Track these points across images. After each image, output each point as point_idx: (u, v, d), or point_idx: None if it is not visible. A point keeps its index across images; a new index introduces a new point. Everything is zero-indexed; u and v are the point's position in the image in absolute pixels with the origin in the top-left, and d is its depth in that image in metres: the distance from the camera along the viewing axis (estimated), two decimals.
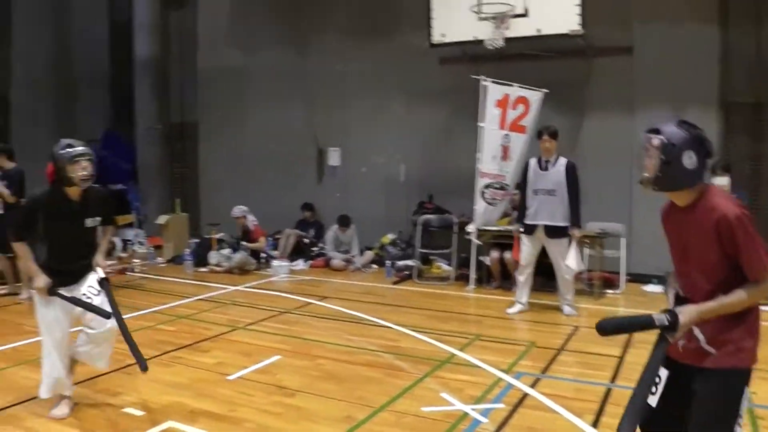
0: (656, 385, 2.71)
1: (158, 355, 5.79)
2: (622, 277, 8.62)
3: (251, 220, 10.85)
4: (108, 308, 4.34)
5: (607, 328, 2.69)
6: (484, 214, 8.84)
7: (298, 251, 11.29)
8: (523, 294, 7.49)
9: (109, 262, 5.91)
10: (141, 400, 4.66)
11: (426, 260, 10.19)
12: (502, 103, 8.77)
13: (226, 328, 6.83)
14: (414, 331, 6.60)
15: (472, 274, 8.92)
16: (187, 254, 10.97)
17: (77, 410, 4.45)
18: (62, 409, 4.37)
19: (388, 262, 10.14)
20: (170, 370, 5.42)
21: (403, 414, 4.37)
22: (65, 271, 4.37)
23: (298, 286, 9.37)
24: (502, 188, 8.83)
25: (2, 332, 6.58)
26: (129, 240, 12.26)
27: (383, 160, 11.42)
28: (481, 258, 9.02)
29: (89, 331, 4.41)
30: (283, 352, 5.90)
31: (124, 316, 6.90)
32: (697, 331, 2.62)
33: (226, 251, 10.78)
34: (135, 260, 11.21)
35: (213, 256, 10.73)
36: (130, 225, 13.00)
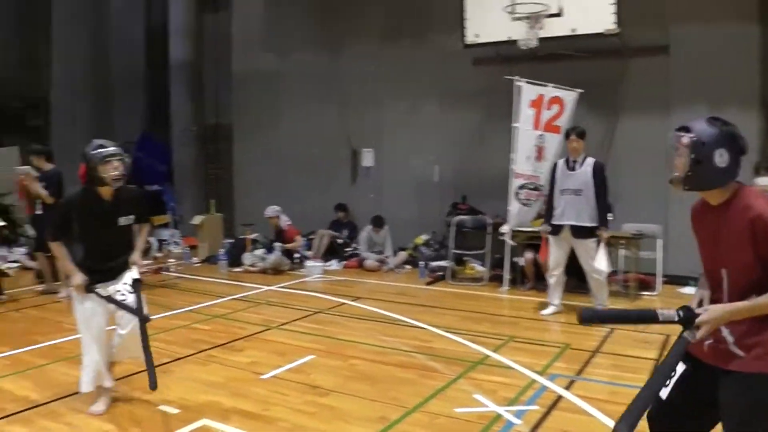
0: (670, 378, 2.63)
1: (193, 354, 5.86)
2: (659, 279, 8.50)
3: (284, 220, 10.91)
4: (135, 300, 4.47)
5: (590, 318, 2.63)
6: (518, 214, 8.78)
7: (332, 252, 11.32)
8: (555, 296, 7.43)
9: (145, 262, 6.00)
10: (176, 398, 4.71)
11: (459, 261, 10.16)
12: (537, 104, 8.70)
13: (260, 327, 6.88)
14: (447, 332, 6.58)
15: (506, 275, 8.87)
16: (222, 254, 11.07)
17: (113, 407, 4.52)
18: (100, 406, 4.45)
19: (421, 263, 10.13)
20: (205, 368, 5.48)
21: (436, 415, 4.36)
22: (101, 269, 4.46)
23: (332, 286, 9.40)
24: (536, 189, 8.76)
25: (42, 330, 6.71)
26: (165, 240, 12.45)
27: (417, 161, 11.41)
28: (515, 259, 8.97)
29: (120, 331, 4.51)
30: (317, 351, 5.92)
31: (159, 315, 7.08)
32: (726, 332, 2.53)
33: (260, 252, 10.85)
34: (170, 260, 11.37)
35: (247, 258, 10.81)
36: (165, 225, 13.21)
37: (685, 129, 2.58)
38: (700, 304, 2.65)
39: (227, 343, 6.26)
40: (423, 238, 10.93)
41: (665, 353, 5.37)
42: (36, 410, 4.49)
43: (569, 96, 8.75)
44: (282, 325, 7.00)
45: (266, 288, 9.19)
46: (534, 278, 8.77)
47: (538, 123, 8.74)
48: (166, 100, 14.69)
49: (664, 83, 9.12)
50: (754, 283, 2.47)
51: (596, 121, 9.56)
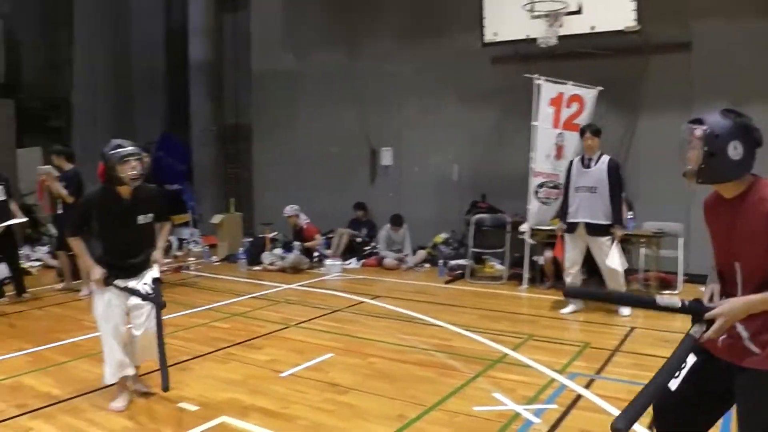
0: (677, 373, 2.60)
1: (213, 352, 5.89)
2: (680, 278, 8.41)
3: (303, 219, 10.94)
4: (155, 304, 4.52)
5: (575, 292, 2.60)
6: (538, 213, 8.73)
7: (351, 250, 11.33)
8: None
9: (166, 261, 6.06)
10: (195, 395, 4.74)
11: (479, 260, 10.13)
12: (556, 102, 8.65)
13: (279, 325, 6.90)
14: (466, 330, 6.56)
15: (525, 274, 8.83)
16: (241, 253, 11.12)
17: (133, 404, 4.56)
18: (120, 402, 4.49)
19: (440, 262, 10.11)
20: (224, 366, 5.50)
21: (455, 413, 4.35)
22: (121, 266, 4.52)
23: (351, 284, 9.41)
24: (555, 187, 8.70)
25: (64, 328, 6.79)
26: (184, 239, 12.53)
27: (436, 159, 11.39)
28: (534, 257, 8.93)
29: (135, 332, 4.58)
30: (336, 350, 5.92)
31: (179, 313, 7.12)
32: (740, 327, 2.49)
33: (279, 251, 10.88)
34: (190, 259, 11.44)
35: (266, 256, 10.84)
36: (185, 224, 13.29)
37: (699, 121, 2.54)
38: (711, 298, 2.61)
39: (246, 341, 6.29)
40: (442, 236, 10.91)
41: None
42: (58, 406, 4.54)
43: (589, 94, 8.69)
44: (301, 323, 7.01)
45: (285, 286, 9.22)
46: (553, 277, 8.72)
47: (557, 121, 8.69)
48: (186, 100, 14.79)
49: (685, 80, 9.02)
50: None
51: (616, 119, 9.49)
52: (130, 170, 4.38)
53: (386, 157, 12.01)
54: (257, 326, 6.90)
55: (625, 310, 7.10)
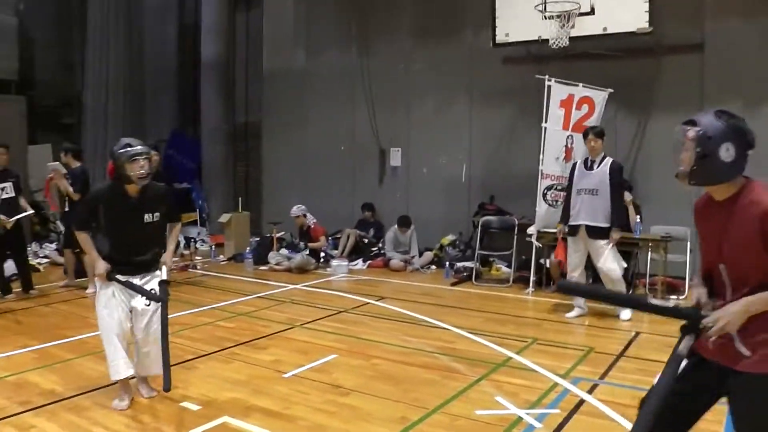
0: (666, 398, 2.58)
1: (217, 351, 5.89)
2: (687, 283, 8.35)
3: (310, 219, 10.92)
4: (158, 312, 4.56)
5: (567, 288, 2.63)
6: (546, 215, 8.67)
7: (358, 251, 11.32)
8: (577, 300, 7.35)
9: (173, 259, 6.08)
10: (198, 394, 4.74)
11: (485, 262, 10.10)
12: (567, 103, 8.60)
13: (284, 326, 6.89)
14: (471, 333, 6.53)
15: (532, 277, 8.79)
16: (248, 252, 11.13)
17: (135, 403, 4.56)
18: (123, 402, 4.49)
19: (446, 264, 10.08)
20: (228, 366, 5.50)
21: (456, 417, 4.33)
22: (126, 262, 4.54)
23: (357, 285, 9.40)
24: (563, 190, 8.65)
25: (70, 325, 6.82)
26: (192, 237, 12.55)
27: (445, 160, 11.36)
28: (541, 260, 8.88)
29: (139, 343, 4.61)
30: (340, 351, 5.91)
31: (185, 312, 7.13)
32: None
33: (286, 252, 10.88)
34: (197, 257, 11.45)
35: (273, 256, 10.83)
36: (194, 223, 13.32)
37: (692, 122, 2.53)
38: (698, 303, 2.60)
39: (251, 341, 6.29)
40: (449, 238, 10.89)
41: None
42: (61, 404, 4.55)
43: (599, 96, 8.63)
44: (305, 323, 7.01)
45: (291, 286, 9.22)
46: (559, 280, 8.68)
47: (567, 123, 8.63)
48: (197, 98, 14.83)
49: (697, 82, 8.95)
50: (763, 277, 2.42)
51: (627, 121, 9.45)
52: (139, 169, 4.41)
53: (395, 158, 11.99)
54: (262, 326, 6.90)
55: (625, 315, 7.07)
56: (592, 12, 8.89)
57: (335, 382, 5.05)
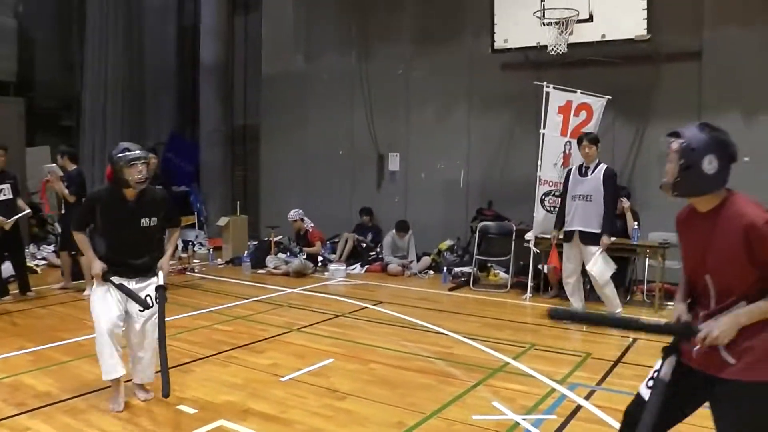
0: (654, 379, 2.66)
1: (214, 354, 5.88)
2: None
3: (308, 223, 10.91)
4: (153, 318, 4.59)
5: (561, 315, 2.70)
6: (544, 221, 8.68)
7: (356, 255, 11.32)
8: (575, 303, 7.37)
9: (171, 262, 6.09)
10: (195, 397, 4.73)
11: (483, 267, 10.10)
12: (565, 110, 8.61)
13: (281, 329, 6.89)
14: (468, 338, 6.53)
15: (530, 282, 8.79)
16: (246, 256, 11.13)
17: (132, 406, 4.55)
18: (116, 404, 4.49)
19: (444, 269, 10.08)
20: (225, 369, 5.49)
21: (453, 422, 4.32)
22: (122, 263, 4.54)
23: (354, 290, 9.39)
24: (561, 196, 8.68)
25: (66, 327, 6.80)
26: (190, 240, 12.54)
27: (443, 165, 11.37)
28: (539, 266, 8.89)
29: (132, 340, 4.62)
30: (337, 355, 5.91)
31: (182, 315, 7.13)
32: None
33: (283, 256, 10.87)
34: (195, 260, 11.43)
35: (270, 260, 10.82)
36: (192, 226, 13.30)
37: (676, 134, 2.60)
38: (678, 320, 2.67)
39: (248, 344, 6.29)
40: (447, 243, 10.90)
41: None
42: (56, 406, 4.53)
43: (597, 102, 8.65)
44: (303, 327, 7.00)
45: (289, 290, 9.21)
46: (558, 286, 8.68)
47: (565, 129, 8.64)
48: (195, 101, 14.83)
49: (695, 89, 8.98)
50: (747, 288, 2.47)
51: (625, 128, 9.47)
52: (137, 174, 4.42)
53: (393, 163, 11.99)
54: (260, 330, 6.89)
55: None
56: (590, 19, 8.91)
57: (332, 386, 5.04)
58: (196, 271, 10.81)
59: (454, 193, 11.19)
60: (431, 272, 10.58)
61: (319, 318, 7.48)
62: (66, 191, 8.27)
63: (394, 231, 10.86)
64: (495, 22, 9.71)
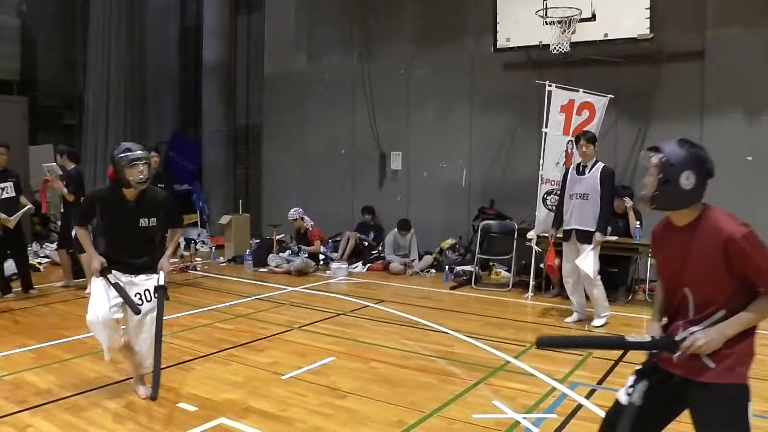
0: (632, 387, 2.71)
1: (215, 353, 5.89)
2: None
3: (308, 222, 10.92)
4: (152, 313, 4.63)
5: (547, 342, 2.77)
6: (545, 220, 8.66)
7: (357, 254, 11.32)
8: (576, 302, 7.35)
9: (172, 260, 6.11)
10: (196, 395, 4.75)
11: (485, 266, 10.10)
12: (567, 109, 8.61)
13: (282, 328, 6.89)
14: (469, 337, 6.53)
15: (531, 281, 8.78)
16: (248, 254, 11.14)
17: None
18: (143, 390, 4.63)
19: (446, 267, 10.08)
20: (226, 367, 5.50)
21: (453, 420, 4.33)
22: (121, 262, 4.58)
23: (356, 288, 9.40)
24: None
25: (68, 325, 6.81)
26: (192, 239, 12.56)
27: (445, 164, 11.36)
28: (541, 265, 8.87)
29: (130, 333, 4.67)
30: (338, 353, 5.91)
31: (183, 313, 7.13)
32: None
33: (285, 254, 10.87)
34: (197, 259, 11.45)
35: (272, 259, 10.83)
36: (194, 224, 13.32)
37: (656, 149, 2.65)
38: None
39: (249, 342, 6.29)
40: (449, 242, 10.89)
41: None
42: (58, 404, 4.55)
43: (599, 101, 8.64)
44: (304, 326, 7.01)
45: (290, 289, 9.22)
46: (559, 285, 8.66)
47: (567, 128, 8.64)
48: (198, 100, 14.84)
49: (698, 90, 8.96)
50: (726, 298, 2.54)
51: (627, 127, 9.45)
52: (138, 174, 4.45)
53: (395, 162, 11.99)
54: (261, 328, 6.90)
55: (598, 322, 7.07)
56: (593, 18, 8.90)
57: (333, 385, 5.05)
58: (197, 269, 10.82)
59: (456, 192, 11.19)
60: (433, 271, 10.58)
61: (321, 316, 7.48)
62: (65, 190, 8.29)
63: (396, 230, 10.87)
64: (497, 21, 9.71)
